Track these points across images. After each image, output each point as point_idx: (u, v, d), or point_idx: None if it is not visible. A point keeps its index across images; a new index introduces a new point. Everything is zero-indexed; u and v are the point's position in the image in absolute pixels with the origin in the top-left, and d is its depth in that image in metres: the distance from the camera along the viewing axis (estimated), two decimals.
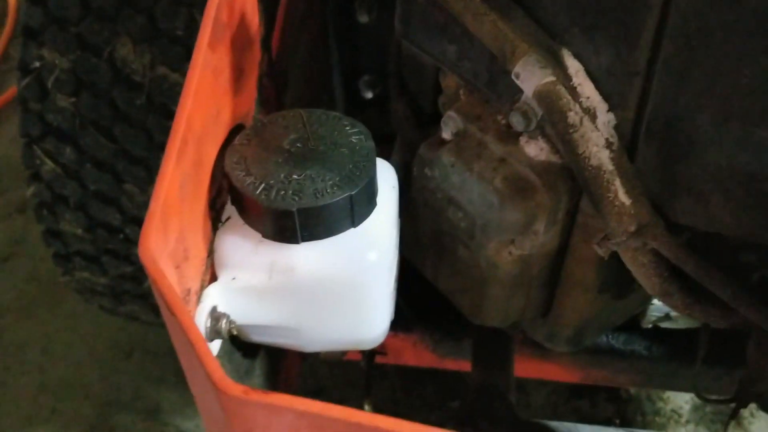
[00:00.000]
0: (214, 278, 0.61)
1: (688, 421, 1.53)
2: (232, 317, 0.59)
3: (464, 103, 0.73)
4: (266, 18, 0.74)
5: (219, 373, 0.41)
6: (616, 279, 0.76)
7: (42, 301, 1.65)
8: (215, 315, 0.58)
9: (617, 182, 0.60)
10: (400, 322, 0.80)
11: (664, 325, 0.95)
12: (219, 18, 0.58)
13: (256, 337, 0.64)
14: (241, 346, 0.67)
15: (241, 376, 0.68)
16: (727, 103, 0.53)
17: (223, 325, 0.58)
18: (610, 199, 0.60)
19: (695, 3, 0.51)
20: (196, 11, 0.97)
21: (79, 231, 1.14)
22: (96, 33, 1.00)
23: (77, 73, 1.02)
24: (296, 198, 0.56)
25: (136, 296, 1.24)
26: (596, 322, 0.81)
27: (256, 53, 0.70)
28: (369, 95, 1.13)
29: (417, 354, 1.02)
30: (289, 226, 0.57)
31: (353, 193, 0.57)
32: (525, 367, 1.01)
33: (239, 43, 0.65)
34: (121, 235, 1.12)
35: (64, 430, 1.47)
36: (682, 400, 1.53)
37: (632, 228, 0.60)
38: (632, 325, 0.96)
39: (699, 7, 0.51)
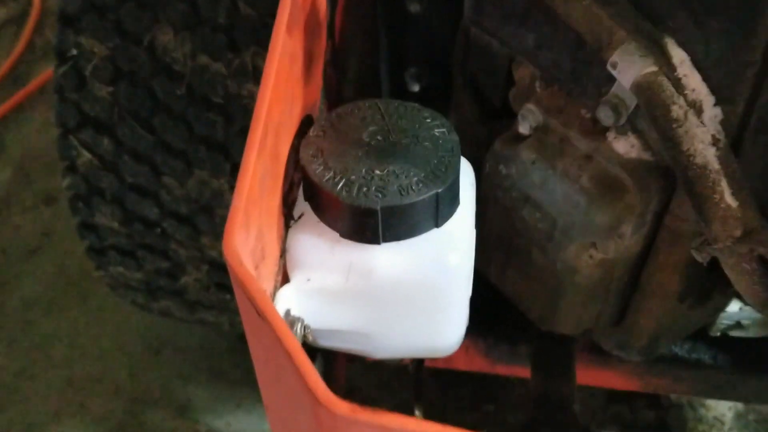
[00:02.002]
0: (285, 280, 0.57)
1: (731, 429, 1.48)
2: (306, 321, 0.55)
3: (543, 96, 0.69)
4: (330, 3, 0.70)
5: (322, 388, 0.37)
6: (698, 287, 0.71)
7: (70, 295, 1.63)
8: (290, 319, 0.54)
9: (723, 183, 0.55)
10: None
11: (734, 333, 0.91)
12: (295, 0, 0.54)
13: (325, 342, 0.60)
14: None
15: None
16: None
17: (298, 330, 0.54)
18: (716, 200, 0.55)
19: None
20: None
21: (115, 224, 1.11)
22: (136, 20, 0.98)
23: (116, 61, 0.99)
24: (379, 195, 0.52)
25: (170, 292, 1.21)
26: (672, 331, 0.77)
27: (323, 40, 0.66)
28: (415, 88, 1.09)
29: (468, 358, 0.98)
30: (371, 225, 0.52)
31: (439, 191, 0.53)
32: (582, 375, 0.96)
33: (311, 27, 0.61)
34: (158, 229, 1.09)
35: (93, 426, 1.44)
36: (724, 407, 1.49)
37: (738, 232, 0.55)
38: (698, 333, 0.92)
39: None
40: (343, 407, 0.36)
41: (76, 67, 1.01)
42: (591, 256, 0.66)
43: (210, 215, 1.05)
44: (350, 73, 0.83)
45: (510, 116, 0.74)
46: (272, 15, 0.52)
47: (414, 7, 0.99)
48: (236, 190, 0.44)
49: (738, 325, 0.89)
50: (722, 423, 1.48)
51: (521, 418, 1.42)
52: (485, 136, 0.75)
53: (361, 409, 0.37)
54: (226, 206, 1.00)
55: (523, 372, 0.94)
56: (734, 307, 0.87)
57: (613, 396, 1.48)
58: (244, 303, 0.44)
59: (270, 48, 0.51)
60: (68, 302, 1.61)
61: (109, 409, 1.46)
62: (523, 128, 0.68)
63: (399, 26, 1.02)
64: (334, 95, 0.75)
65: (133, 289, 1.23)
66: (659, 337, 0.76)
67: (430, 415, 1.45)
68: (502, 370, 1.00)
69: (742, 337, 0.91)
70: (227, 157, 0.99)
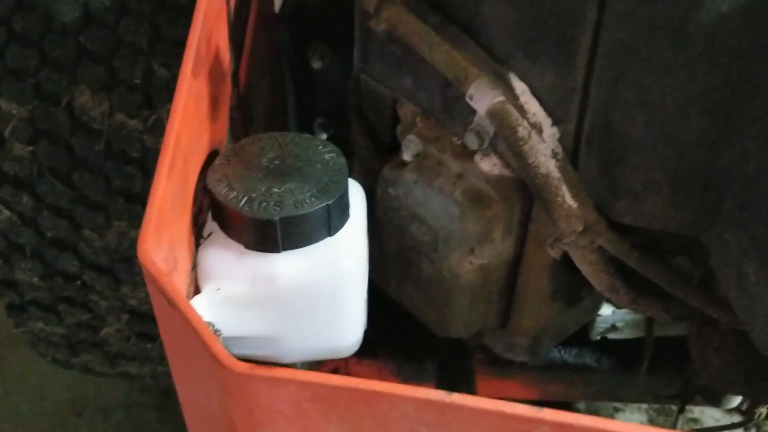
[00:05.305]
0: (197, 293, 0.64)
1: None
2: (217, 327, 0.62)
3: (422, 128, 0.80)
4: (235, 56, 0.79)
5: (225, 353, 0.44)
6: (567, 286, 0.82)
7: None
8: None
9: (564, 188, 0.67)
10: (365, 349, 0.83)
11: (612, 336, 1.02)
12: (199, 49, 0.64)
13: (236, 350, 0.67)
14: None
15: None
16: (654, 111, 0.62)
17: None
18: (559, 203, 0.67)
19: (622, 27, 0.60)
20: (154, 61, 1.01)
21: (35, 279, 1.13)
22: (54, 83, 1.02)
23: (35, 122, 1.03)
24: (278, 208, 0.61)
25: (91, 345, 1.22)
26: (551, 330, 0.87)
27: (227, 86, 0.76)
28: (323, 136, 1.19)
29: (382, 379, 1.06)
30: (272, 235, 0.61)
31: (330, 203, 0.62)
32: (484, 387, 1.05)
33: (215, 74, 0.70)
34: (79, 282, 1.12)
35: None
36: (636, 421, 1.59)
37: (579, 228, 0.67)
38: (582, 339, 1.03)
39: (625, 29, 0.60)
40: (243, 366, 0.44)
41: None
42: (470, 262, 0.77)
43: (129, 264, 1.09)
44: (257, 120, 0.92)
45: (399, 149, 0.85)
46: None
47: (317, 65, 1.10)
48: (149, 203, 0.52)
49: (613, 327, 1.01)
50: None
51: None
52: (379, 167, 0.85)
53: (258, 366, 0.44)
54: None
55: (431, 387, 1.02)
56: (608, 310, 0.99)
57: None
58: (157, 299, 0.51)
59: (177, 88, 0.59)
60: None
61: None
62: (407, 155, 0.79)
63: (305, 81, 1.12)
64: (241, 137, 0.83)
65: (54, 345, 1.23)
66: (540, 337, 0.86)
67: None
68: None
69: (619, 339, 1.02)
70: (145, 208, 1.03)
